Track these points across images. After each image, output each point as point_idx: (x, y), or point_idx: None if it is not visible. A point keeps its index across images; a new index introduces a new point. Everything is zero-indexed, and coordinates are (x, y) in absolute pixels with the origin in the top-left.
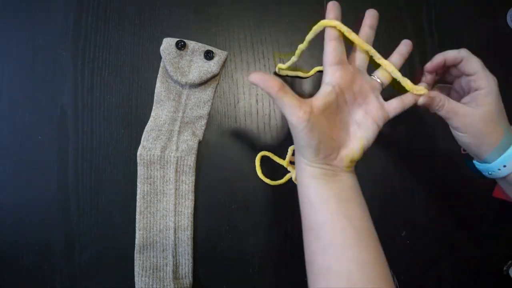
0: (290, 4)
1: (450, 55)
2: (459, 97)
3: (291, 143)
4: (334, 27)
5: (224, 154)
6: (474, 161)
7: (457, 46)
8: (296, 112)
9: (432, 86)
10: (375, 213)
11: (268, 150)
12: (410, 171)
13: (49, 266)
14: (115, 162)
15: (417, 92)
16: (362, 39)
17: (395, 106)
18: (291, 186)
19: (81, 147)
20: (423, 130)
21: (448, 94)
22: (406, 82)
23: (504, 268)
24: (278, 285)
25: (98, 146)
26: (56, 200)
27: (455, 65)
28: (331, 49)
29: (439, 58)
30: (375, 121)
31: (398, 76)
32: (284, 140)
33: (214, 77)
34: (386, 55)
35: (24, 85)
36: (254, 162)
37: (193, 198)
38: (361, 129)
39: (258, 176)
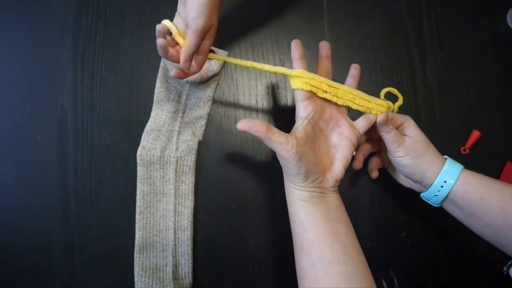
0: (290, 4)
1: (365, 126)
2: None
3: None
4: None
5: (224, 154)
6: (421, 194)
7: (457, 47)
8: (285, 147)
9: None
10: (375, 214)
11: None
12: None
13: (49, 266)
14: (115, 162)
15: (380, 105)
16: (323, 72)
17: (362, 124)
18: None
19: (81, 147)
20: (422, 130)
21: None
22: (374, 102)
23: (504, 268)
24: (278, 285)
25: (98, 146)
26: (56, 200)
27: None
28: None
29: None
30: (349, 140)
31: (365, 98)
32: None
33: (214, 76)
34: (386, 55)
35: (24, 85)
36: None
37: (193, 198)
38: (339, 150)
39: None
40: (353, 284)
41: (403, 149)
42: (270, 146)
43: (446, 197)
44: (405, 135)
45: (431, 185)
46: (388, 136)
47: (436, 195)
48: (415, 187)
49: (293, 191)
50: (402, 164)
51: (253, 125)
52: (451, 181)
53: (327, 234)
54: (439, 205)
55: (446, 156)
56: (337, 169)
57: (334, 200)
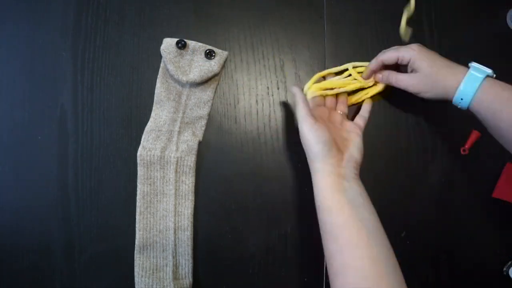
0: (290, 4)
1: (373, 64)
2: None
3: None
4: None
5: (224, 154)
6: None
7: (457, 46)
8: (309, 115)
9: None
10: None
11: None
12: (410, 171)
13: (49, 266)
14: (115, 162)
15: (368, 85)
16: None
17: (359, 120)
18: (291, 187)
19: (81, 147)
20: (423, 131)
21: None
22: (359, 83)
23: (504, 268)
24: (278, 285)
25: (98, 146)
26: (56, 200)
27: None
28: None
29: (369, 70)
30: (356, 133)
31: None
32: (284, 140)
33: (214, 76)
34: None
35: (24, 85)
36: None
37: (193, 198)
38: (350, 141)
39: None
40: (379, 266)
41: (412, 87)
42: (298, 111)
43: (468, 107)
44: (415, 70)
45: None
46: (393, 82)
47: (458, 106)
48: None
49: (320, 180)
50: (426, 98)
51: (299, 96)
52: (467, 99)
53: (353, 220)
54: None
55: (471, 64)
56: (353, 151)
57: (359, 187)
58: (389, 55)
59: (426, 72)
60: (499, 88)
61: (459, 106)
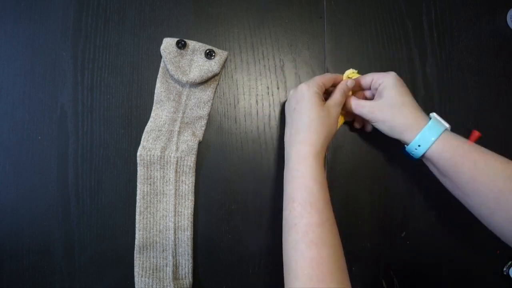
0: (290, 4)
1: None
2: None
3: None
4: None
5: (224, 154)
6: (404, 147)
7: (457, 47)
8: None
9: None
10: (375, 214)
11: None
12: (410, 171)
13: (49, 266)
14: (115, 162)
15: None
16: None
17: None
18: None
19: (81, 147)
20: None
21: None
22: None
23: (504, 268)
24: (278, 286)
25: (98, 146)
26: (56, 200)
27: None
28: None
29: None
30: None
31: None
32: (284, 140)
33: (214, 76)
34: (386, 55)
35: (24, 85)
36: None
37: (193, 198)
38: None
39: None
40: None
41: (371, 115)
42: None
43: (423, 155)
44: (381, 97)
45: (408, 144)
46: (351, 105)
47: (413, 154)
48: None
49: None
50: (379, 128)
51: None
52: (424, 148)
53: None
54: (418, 159)
55: (432, 115)
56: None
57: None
58: (364, 77)
59: (391, 101)
60: (459, 141)
61: (411, 153)
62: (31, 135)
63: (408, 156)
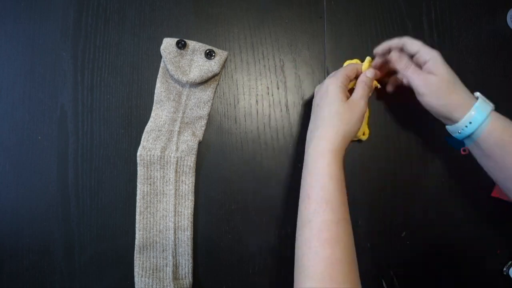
0: (290, 4)
1: (394, 41)
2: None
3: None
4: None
5: (224, 154)
6: (446, 126)
7: (457, 47)
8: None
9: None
10: (375, 214)
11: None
12: (410, 171)
13: (49, 266)
14: (115, 162)
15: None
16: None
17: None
18: (291, 187)
19: (81, 147)
20: (423, 131)
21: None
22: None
23: (504, 268)
24: (278, 286)
25: (98, 146)
26: (56, 200)
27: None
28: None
29: (385, 44)
30: None
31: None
32: (284, 140)
33: (214, 76)
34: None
35: (24, 85)
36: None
37: (193, 198)
38: None
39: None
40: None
41: (424, 84)
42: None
43: (470, 135)
44: (431, 73)
45: (456, 122)
46: (408, 73)
47: (460, 133)
48: (441, 118)
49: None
50: (429, 105)
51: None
52: (475, 125)
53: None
54: (462, 140)
55: (477, 94)
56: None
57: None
58: (413, 42)
59: (448, 77)
60: (507, 121)
61: (456, 134)
62: (31, 135)
63: (449, 141)
